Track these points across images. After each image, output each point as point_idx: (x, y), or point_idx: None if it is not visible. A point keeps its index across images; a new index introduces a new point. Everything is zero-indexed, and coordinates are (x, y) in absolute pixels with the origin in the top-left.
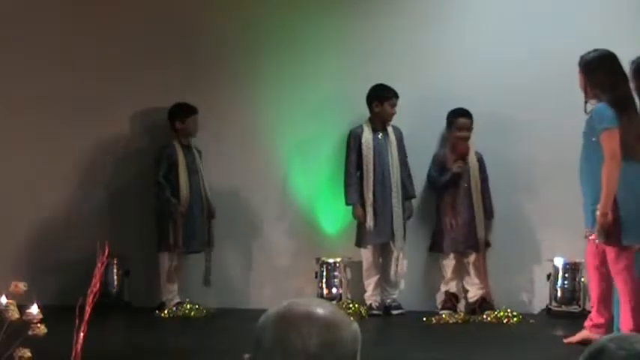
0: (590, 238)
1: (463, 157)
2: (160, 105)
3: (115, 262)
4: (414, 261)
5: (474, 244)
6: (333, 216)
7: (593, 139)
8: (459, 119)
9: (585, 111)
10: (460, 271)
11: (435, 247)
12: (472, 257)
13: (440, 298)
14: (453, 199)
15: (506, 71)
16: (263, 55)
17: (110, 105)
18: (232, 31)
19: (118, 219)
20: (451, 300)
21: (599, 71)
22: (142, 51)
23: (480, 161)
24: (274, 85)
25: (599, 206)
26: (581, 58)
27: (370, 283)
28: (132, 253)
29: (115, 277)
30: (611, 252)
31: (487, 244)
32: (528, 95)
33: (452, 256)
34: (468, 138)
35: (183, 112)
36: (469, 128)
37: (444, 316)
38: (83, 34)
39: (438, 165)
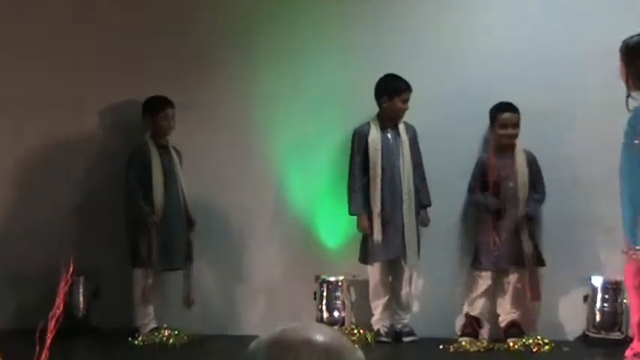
0: (630, 253)
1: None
2: (136, 99)
3: (82, 280)
4: (431, 278)
5: (519, 260)
6: (335, 227)
7: (636, 141)
8: (502, 115)
9: (627, 107)
10: (494, 292)
11: (476, 264)
12: (514, 277)
13: (460, 322)
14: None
15: (545, 58)
16: (256, 43)
17: (77, 100)
18: (221, 17)
19: (85, 231)
20: (472, 324)
21: None
22: (118, 39)
23: (531, 162)
24: (268, 78)
25: None
26: (623, 42)
27: (378, 306)
28: (101, 270)
29: (82, 298)
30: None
31: (540, 262)
32: (572, 89)
33: (489, 274)
34: (513, 136)
35: (154, 106)
36: (515, 125)
37: (463, 343)
38: (55, 22)
39: (480, 171)
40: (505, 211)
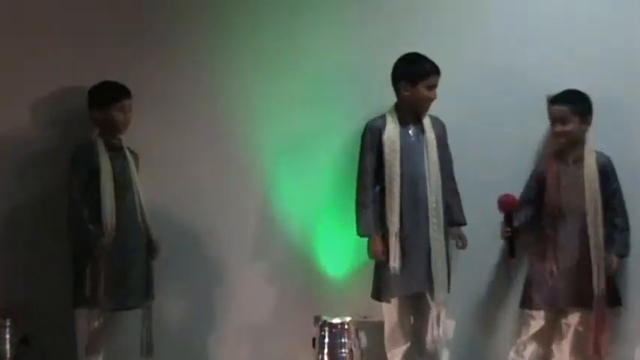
0: None
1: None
2: (80, 86)
3: (8, 324)
4: (464, 319)
5: (583, 298)
6: (340, 253)
7: None
8: (550, 107)
9: None
10: (549, 337)
11: (527, 302)
12: (574, 318)
13: None
14: (555, 230)
15: (620, 36)
16: (238, 18)
17: (2, 89)
18: None
19: (11, 260)
20: None
21: None
22: (56, 12)
23: (605, 169)
24: (253, 63)
25: None
26: None
27: (396, 355)
28: (34, 309)
29: (8, 346)
30: None
31: (616, 300)
32: None
33: (542, 313)
34: (562, 134)
35: (106, 95)
36: (564, 120)
37: None
38: None
39: (535, 180)
40: (567, 231)
